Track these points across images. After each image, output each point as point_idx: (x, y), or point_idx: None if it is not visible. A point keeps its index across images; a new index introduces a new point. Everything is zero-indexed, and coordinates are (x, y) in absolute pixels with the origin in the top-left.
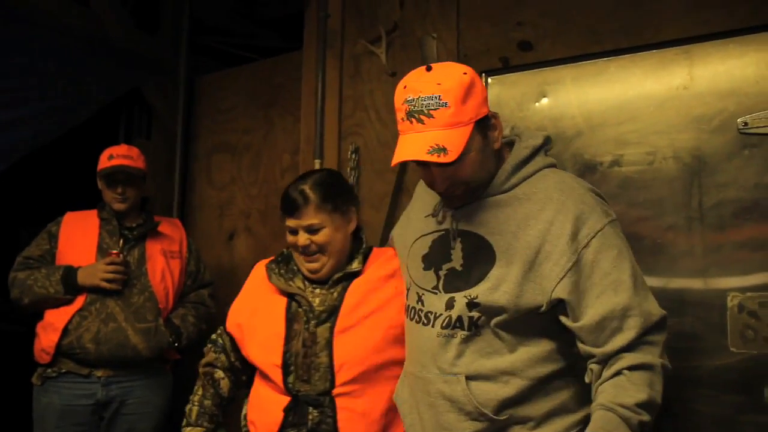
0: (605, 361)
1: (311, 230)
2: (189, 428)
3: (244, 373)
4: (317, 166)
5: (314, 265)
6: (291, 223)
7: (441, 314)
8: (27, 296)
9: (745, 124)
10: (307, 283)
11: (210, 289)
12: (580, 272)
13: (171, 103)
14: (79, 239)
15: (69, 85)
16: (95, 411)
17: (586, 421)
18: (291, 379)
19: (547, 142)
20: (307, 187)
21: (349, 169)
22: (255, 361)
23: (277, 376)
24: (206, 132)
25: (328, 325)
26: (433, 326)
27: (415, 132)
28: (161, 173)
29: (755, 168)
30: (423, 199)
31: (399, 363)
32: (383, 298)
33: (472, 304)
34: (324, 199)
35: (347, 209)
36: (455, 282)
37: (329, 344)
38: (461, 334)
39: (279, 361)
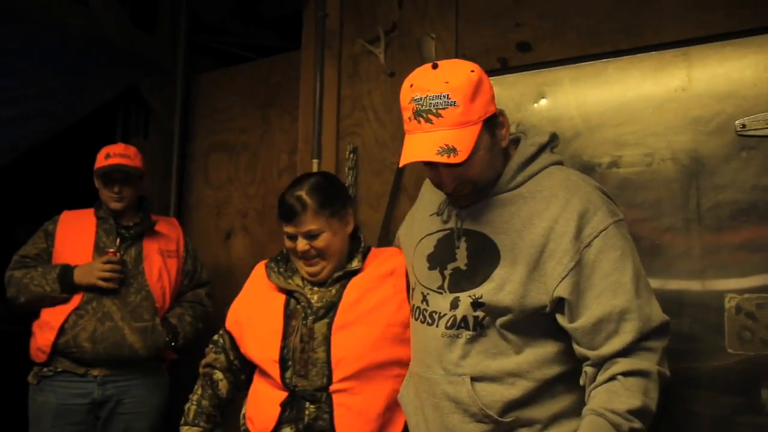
0: (600, 364)
1: (310, 236)
2: (186, 427)
3: (243, 372)
4: (315, 166)
5: (314, 269)
6: (289, 229)
7: (446, 314)
8: (23, 295)
9: (743, 126)
10: (305, 281)
11: (207, 289)
12: (581, 272)
13: (168, 102)
14: (75, 238)
15: (66, 83)
16: (91, 410)
17: None
18: (288, 374)
19: (554, 139)
20: (303, 193)
21: (347, 168)
22: (253, 358)
23: (274, 371)
24: (204, 131)
25: (326, 321)
26: (437, 326)
27: (423, 132)
28: (158, 172)
29: (753, 170)
30: (428, 198)
31: (398, 362)
32: (382, 295)
33: (476, 304)
34: (321, 205)
35: (345, 213)
36: (460, 282)
37: (327, 340)
38: (466, 334)
39: (276, 356)
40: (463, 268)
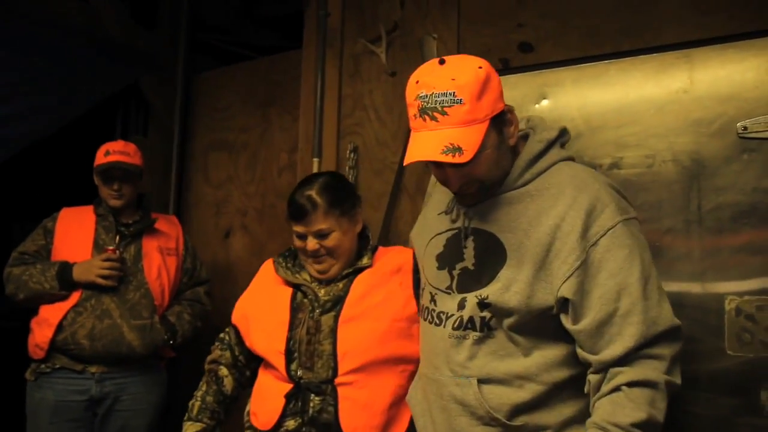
0: (602, 371)
1: (320, 235)
2: (189, 423)
3: (248, 368)
4: (315, 165)
5: (323, 267)
6: (299, 228)
7: (453, 314)
8: (22, 292)
9: (745, 128)
10: (313, 277)
11: (206, 287)
12: (586, 272)
13: (168, 100)
14: (75, 235)
15: (66, 80)
16: (89, 407)
17: None
18: (294, 366)
19: (563, 134)
20: (314, 193)
21: (347, 168)
22: (258, 350)
23: (280, 362)
24: (203, 129)
25: (332, 314)
26: (444, 326)
27: (429, 130)
28: (158, 170)
29: (754, 172)
30: (437, 197)
31: (404, 359)
32: (388, 291)
33: (483, 305)
34: (332, 204)
35: (354, 212)
36: (468, 282)
37: (333, 332)
38: (473, 335)
39: (282, 347)
40: (471, 268)
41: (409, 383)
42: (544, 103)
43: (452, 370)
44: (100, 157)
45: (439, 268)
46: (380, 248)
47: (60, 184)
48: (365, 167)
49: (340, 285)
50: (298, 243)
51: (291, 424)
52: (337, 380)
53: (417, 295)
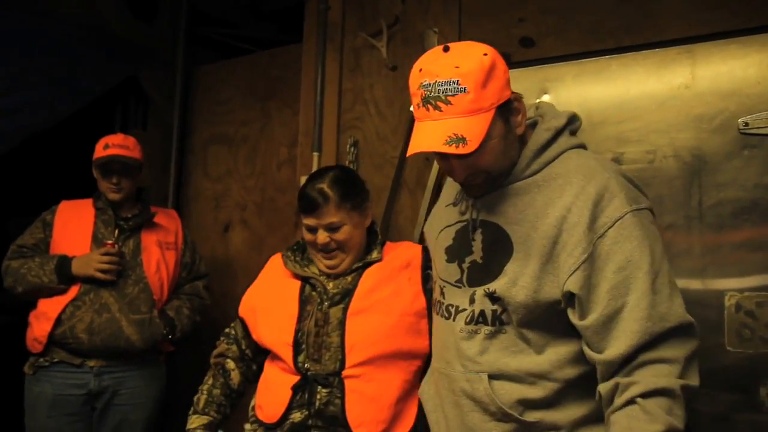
0: (608, 373)
1: (331, 228)
2: (195, 416)
3: (254, 362)
4: (315, 159)
5: (333, 262)
6: (310, 221)
7: (465, 309)
8: (20, 285)
9: (746, 124)
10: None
11: (205, 281)
12: (593, 265)
13: (168, 94)
14: (74, 229)
15: (65, 73)
16: (87, 401)
17: None
18: (301, 358)
19: (572, 121)
20: (325, 186)
21: (347, 162)
22: (266, 342)
23: (287, 354)
24: (203, 123)
25: (341, 306)
26: (454, 320)
27: (432, 120)
28: (157, 164)
29: (755, 168)
30: (447, 189)
31: (412, 354)
32: (397, 286)
33: (493, 298)
34: (343, 198)
35: (365, 206)
36: (477, 275)
37: (342, 325)
38: (485, 329)
39: (290, 339)
40: (480, 261)
41: (416, 379)
42: (545, 98)
43: (463, 365)
44: (99, 151)
45: (449, 260)
46: (388, 243)
47: (57, 178)
48: (365, 162)
49: (349, 278)
50: (308, 236)
51: (297, 416)
52: (345, 373)
53: (426, 291)
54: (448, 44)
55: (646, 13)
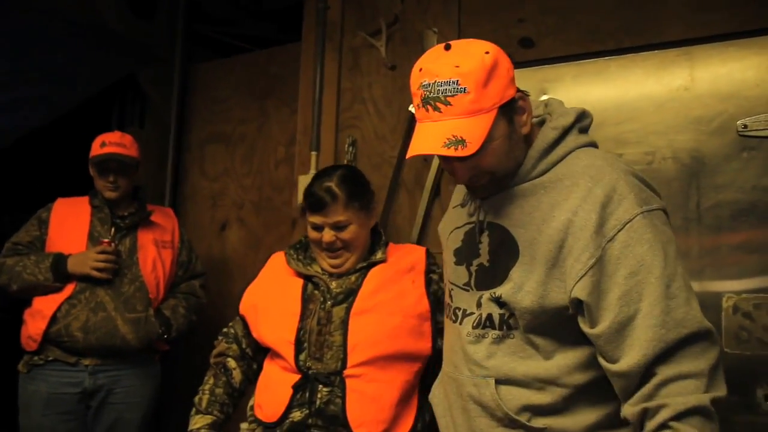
0: (628, 389)
1: (338, 227)
2: (199, 416)
3: (255, 361)
4: (313, 158)
5: (337, 261)
6: (317, 219)
7: (472, 313)
8: (16, 283)
9: (745, 126)
10: (325, 270)
11: (201, 280)
12: (602, 270)
13: (165, 92)
14: (70, 226)
15: (62, 70)
16: (82, 399)
17: None
18: (303, 356)
19: (581, 118)
20: (333, 185)
21: (345, 161)
22: (267, 341)
23: (288, 352)
24: (200, 122)
25: (344, 305)
26: (461, 324)
27: (432, 121)
28: (154, 162)
29: (753, 170)
30: (457, 191)
31: (413, 356)
32: (401, 288)
33: (499, 303)
34: (351, 197)
35: (371, 206)
36: (484, 279)
37: (344, 324)
38: (492, 333)
39: (292, 337)
40: (487, 264)
41: (416, 380)
42: (544, 98)
43: (470, 369)
44: (96, 149)
45: (457, 263)
46: (391, 244)
47: (53, 175)
48: (363, 161)
49: (353, 278)
50: (313, 234)
51: (297, 415)
52: (346, 372)
53: (429, 294)
54: (450, 42)
55: (646, 15)
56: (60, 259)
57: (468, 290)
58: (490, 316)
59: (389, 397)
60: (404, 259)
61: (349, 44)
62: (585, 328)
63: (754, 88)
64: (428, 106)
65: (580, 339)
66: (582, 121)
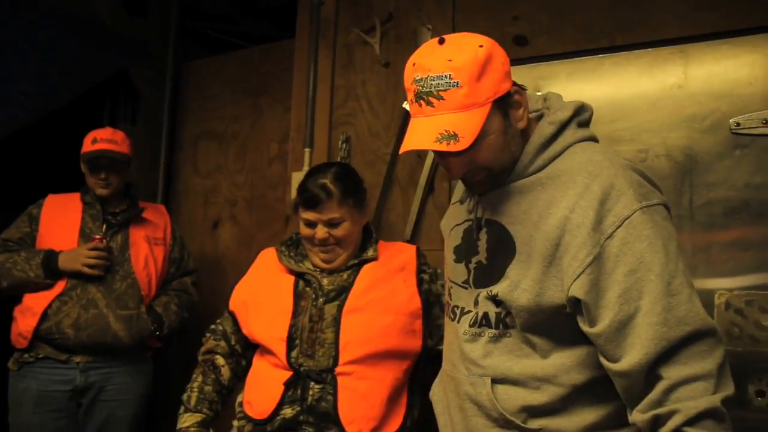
0: (632, 391)
1: (332, 224)
2: (188, 414)
3: (244, 358)
4: (307, 155)
5: (329, 256)
6: (310, 216)
7: (470, 311)
8: (6, 279)
9: (738, 124)
10: (316, 266)
11: (193, 277)
12: (600, 268)
13: (157, 89)
14: (61, 223)
15: (53, 66)
16: (73, 397)
17: None
18: (294, 353)
19: (579, 112)
20: (328, 181)
21: (339, 158)
22: (258, 338)
23: (280, 349)
24: (193, 118)
25: (336, 303)
26: (458, 322)
27: (424, 116)
28: (146, 159)
29: (746, 168)
30: (458, 187)
31: (405, 353)
32: (393, 286)
33: (495, 301)
34: (346, 194)
35: (365, 204)
36: (482, 277)
37: (336, 321)
38: (489, 332)
39: (284, 334)
40: (485, 262)
41: (406, 377)
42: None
43: (467, 368)
44: (88, 145)
45: (456, 260)
46: (381, 241)
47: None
48: (357, 158)
49: (345, 275)
50: (306, 231)
51: (288, 412)
52: (338, 369)
53: (421, 293)
54: (444, 36)
55: (640, 13)
56: (51, 256)
57: (466, 288)
58: (486, 315)
59: (380, 394)
60: (395, 258)
61: (343, 41)
62: (584, 327)
63: (747, 86)
64: (421, 100)
65: (578, 338)
66: (580, 114)
